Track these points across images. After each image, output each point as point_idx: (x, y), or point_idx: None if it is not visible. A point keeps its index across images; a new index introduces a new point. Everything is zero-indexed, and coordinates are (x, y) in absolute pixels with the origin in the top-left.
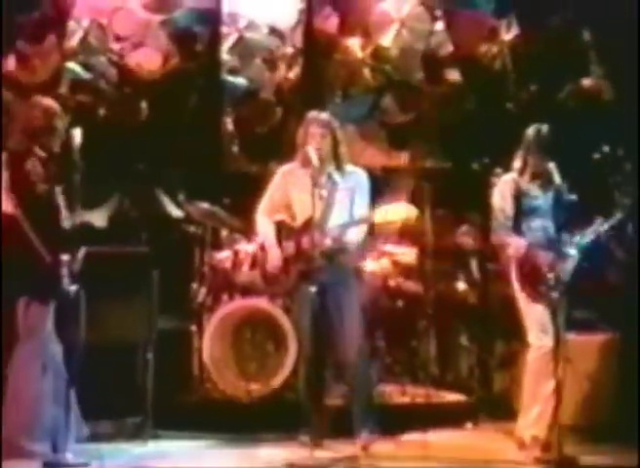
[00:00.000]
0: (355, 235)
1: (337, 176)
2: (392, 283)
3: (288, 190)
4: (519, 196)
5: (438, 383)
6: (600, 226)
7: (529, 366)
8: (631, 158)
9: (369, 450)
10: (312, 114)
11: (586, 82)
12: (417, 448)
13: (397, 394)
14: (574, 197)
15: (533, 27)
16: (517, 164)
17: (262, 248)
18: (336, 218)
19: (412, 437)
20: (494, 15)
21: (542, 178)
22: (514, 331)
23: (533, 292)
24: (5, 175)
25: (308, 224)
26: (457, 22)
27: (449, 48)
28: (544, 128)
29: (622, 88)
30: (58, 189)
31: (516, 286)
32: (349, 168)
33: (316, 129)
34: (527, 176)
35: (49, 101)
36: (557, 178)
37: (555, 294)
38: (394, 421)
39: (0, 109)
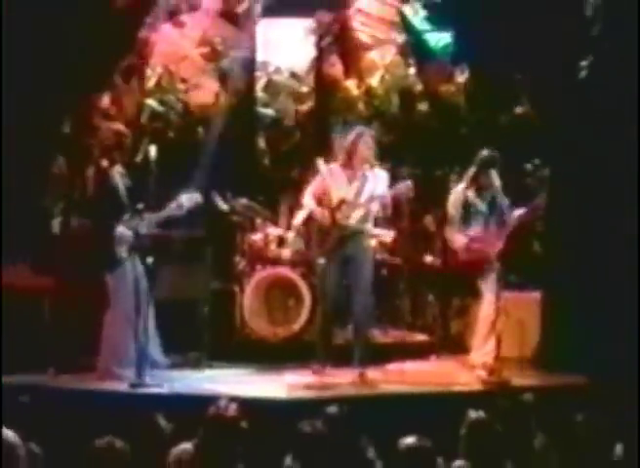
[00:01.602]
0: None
1: (368, 173)
2: (379, 257)
3: (326, 182)
4: (466, 205)
5: (411, 328)
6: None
7: (481, 316)
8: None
9: (363, 377)
10: (362, 129)
11: (518, 111)
12: (397, 374)
13: (382, 336)
14: (506, 201)
15: (479, 71)
16: (467, 179)
17: (308, 219)
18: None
19: (393, 367)
20: (451, 63)
21: (484, 191)
22: (466, 291)
23: (480, 267)
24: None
25: (342, 203)
26: (424, 68)
27: (419, 87)
28: (495, 154)
29: (545, 114)
30: (123, 189)
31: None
32: (377, 169)
33: (368, 140)
34: (473, 190)
35: (119, 126)
36: (497, 184)
37: (497, 265)
38: (381, 355)
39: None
